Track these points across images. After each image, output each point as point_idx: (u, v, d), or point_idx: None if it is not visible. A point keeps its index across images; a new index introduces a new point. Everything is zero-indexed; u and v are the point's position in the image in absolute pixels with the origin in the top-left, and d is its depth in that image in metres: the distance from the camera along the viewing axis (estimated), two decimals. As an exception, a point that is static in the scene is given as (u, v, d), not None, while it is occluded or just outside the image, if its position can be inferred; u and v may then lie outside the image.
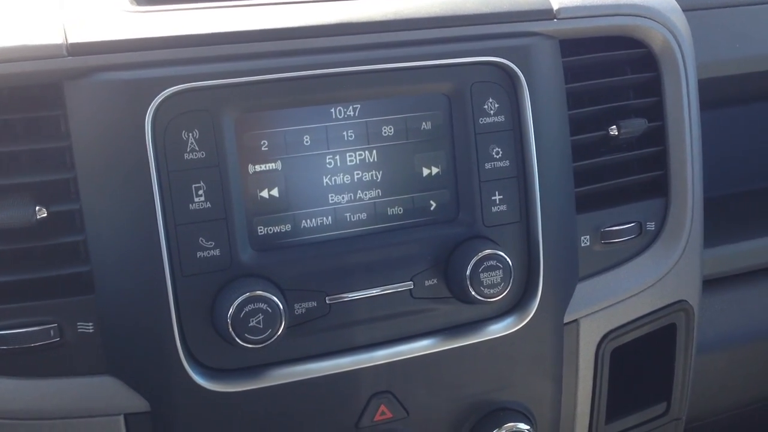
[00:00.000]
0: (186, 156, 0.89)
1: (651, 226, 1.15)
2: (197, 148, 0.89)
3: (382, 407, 1.00)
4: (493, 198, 1.01)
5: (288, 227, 0.95)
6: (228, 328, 0.89)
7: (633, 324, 1.15)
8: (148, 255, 0.88)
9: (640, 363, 1.25)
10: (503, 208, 1.02)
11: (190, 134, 0.89)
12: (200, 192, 0.90)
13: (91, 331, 0.90)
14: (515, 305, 1.04)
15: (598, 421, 1.18)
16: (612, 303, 1.12)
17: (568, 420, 1.15)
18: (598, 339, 1.13)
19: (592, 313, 1.11)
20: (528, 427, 1.05)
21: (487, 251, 0.97)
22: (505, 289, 0.99)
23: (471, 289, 0.98)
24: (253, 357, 0.95)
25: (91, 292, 0.89)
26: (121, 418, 0.93)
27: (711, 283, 1.42)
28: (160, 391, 0.92)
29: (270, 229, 0.95)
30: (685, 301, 1.20)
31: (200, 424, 0.93)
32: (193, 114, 0.89)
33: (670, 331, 1.21)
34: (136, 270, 0.89)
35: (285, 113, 0.93)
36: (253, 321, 0.89)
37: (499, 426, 1.04)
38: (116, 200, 0.88)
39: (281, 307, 0.90)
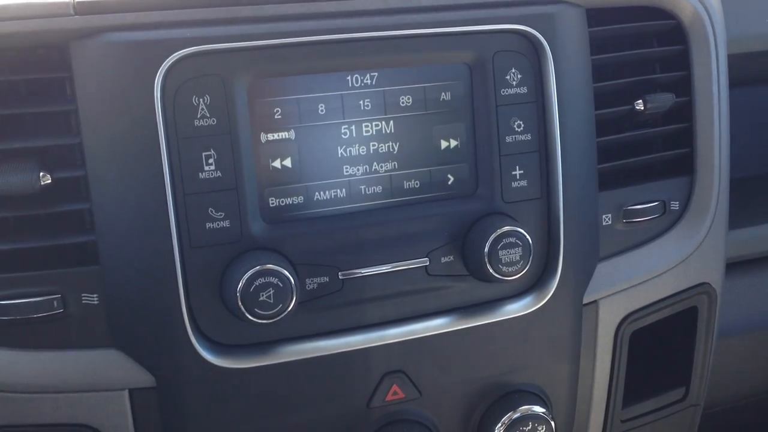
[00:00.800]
0: (196, 123, 0.85)
1: (675, 205, 1.11)
2: (208, 115, 0.85)
3: (395, 387, 0.97)
4: (513, 173, 0.97)
5: (300, 199, 0.92)
6: (237, 303, 0.85)
7: (654, 306, 1.11)
8: (155, 225, 0.85)
9: (658, 347, 1.21)
10: (523, 183, 0.98)
11: (201, 100, 0.85)
12: (210, 161, 0.86)
13: (95, 302, 0.87)
14: (534, 284, 1.01)
15: (614, 406, 1.15)
16: (633, 284, 1.09)
17: (585, 404, 1.12)
18: (617, 321, 1.09)
19: (613, 294, 1.07)
20: (543, 410, 1.02)
21: (506, 228, 0.94)
22: (524, 268, 0.95)
23: (489, 267, 0.94)
24: (262, 333, 0.91)
25: (96, 263, 0.86)
26: (126, 393, 0.90)
27: (732, 266, 1.38)
28: (167, 367, 0.89)
29: (282, 201, 0.91)
30: (708, 283, 1.16)
31: (207, 400, 0.90)
32: (204, 79, 0.85)
33: (691, 314, 1.17)
34: (143, 240, 0.86)
35: (299, 80, 0.89)
36: (263, 296, 0.86)
37: (514, 408, 1.01)
38: (123, 167, 0.84)
39: (292, 281, 0.87)
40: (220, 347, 0.90)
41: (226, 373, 0.90)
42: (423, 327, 0.96)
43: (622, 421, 1.17)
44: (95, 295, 0.87)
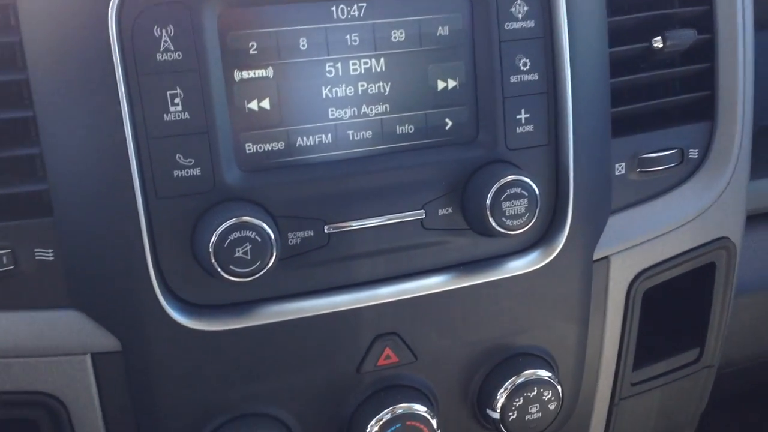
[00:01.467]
0: (159, 57, 0.75)
1: (694, 153, 1.03)
2: (172, 48, 0.76)
3: (387, 350, 0.90)
4: (518, 117, 0.88)
5: (281, 145, 0.83)
6: (210, 260, 0.77)
7: (669, 263, 1.04)
8: (115, 173, 0.76)
9: (671, 305, 1.13)
10: (529, 128, 0.89)
11: (164, 31, 0.75)
12: (176, 100, 0.77)
13: (50, 258, 0.79)
14: (540, 239, 0.93)
15: (624, 368, 1.07)
16: (647, 239, 1.01)
17: (593, 366, 1.04)
18: (630, 278, 1.02)
19: (625, 249, 1.00)
20: (549, 374, 0.95)
21: (511, 177, 0.86)
22: (530, 221, 0.87)
23: (491, 220, 0.86)
24: (239, 292, 0.84)
25: (49, 214, 0.79)
26: (88, 358, 0.82)
27: (750, 220, 1.29)
28: (133, 329, 0.81)
29: (260, 147, 0.82)
30: (727, 238, 1.08)
31: (179, 366, 0.83)
32: (166, 6, 0.75)
33: (708, 271, 1.09)
34: (102, 190, 0.77)
35: (277, 10, 0.80)
36: (239, 251, 0.77)
37: (518, 372, 0.94)
38: (76, 108, 0.75)
39: (272, 236, 0.78)
40: (192, 308, 0.82)
41: (199, 336, 0.82)
42: (418, 285, 0.89)
43: (633, 384, 1.10)
44: (50, 251, 0.79)
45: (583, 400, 1.05)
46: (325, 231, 0.84)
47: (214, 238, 0.77)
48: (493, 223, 0.86)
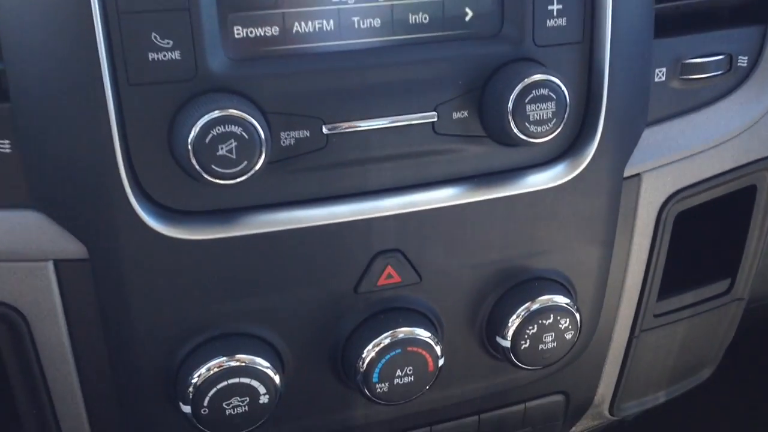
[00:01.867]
0: None
1: (743, 61, 0.94)
2: None
3: (389, 269, 0.81)
4: (549, 8, 0.79)
5: (275, 30, 0.72)
6: (189, 157, 0.68)
7: (706, 183, 0.96)
8: (80, 52, 0.66)
9: (703, 231, 1.04)
10: (561, 22, 0.79)
11: None
12: (152, -33, 0.65)
13: (7, 150, 0.71)
14: (566, 150, 0.85)
15: (648, 298, 0.99)
16: (684, 156, 0.93)
17: (614, 295, 0.96)
18: (662, 199, 0.94)
19: (660, 166, 0.92)
20: (567, 301, 0.86)
21: (537, 77, 0.77)
22: (556, 128, 0.78)
23: (512, 126, 0.77)
24: (224, 198, 0.75)
25: (5, 100, 0.70)
26: (50, 265, 0.74)
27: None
28: (101, 235, 0.72)
29: (251, 31, 0.72)
30: (772, 158, 0.98)
31: (153, 278, 0.74)
32: None
33: (747, 194, 1.00)
34: (65, 72, 0.67)
35: None
36: (222, 149, 0.68)
37: (533, 298, 0.86)
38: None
39: (261, 134, 0.69)
40: (169, 213, 0.73)
41: (176, 246, 0.73)
42: (426, 198, 0.80)
43: (656, 316, 1.02)
44: (6, 142, 0.70)
45: (601, 331, 0.97)
46: (323, 132, 0.75)
47: (193, 133, 0.67)
48: (515, 129, 0.77)
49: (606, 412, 1.10)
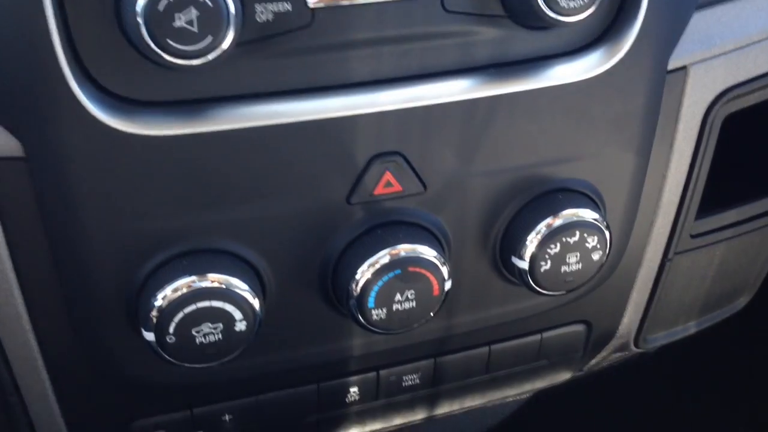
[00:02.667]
0: None
1: None
2: None
3: (387, 175, 0.70)
4: None
5: None
6: (139, 29, 0.55)
7: (762, 80, 0.82)
8: None
9: (750, 140, 0.91)
10: None
11: None
12: None
13: None
14: (601, 36, 0.72)
15: (686, 215, 0.88)
16: (740, 46, 0.81)
17: (649, 210, 0.86)
18: (710, 98, 0.82)
19: (710, 58, 0.80)
20: (596, 216, 0.75)
21: None
22: (592, 3, 0.63)
23: (539, 1, 0.63)
24: (188, 86, 0.63)
25: None
26: None
27: None
28: (38, 128, 0.60)
29: None
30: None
31: (103, 182, 0.62)
32: None
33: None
34: None
35: None
36: (181, 19, 0.56)
37: (556, 212, 0.74)
38: None
39: (229, 4, 0.55)
40: (121, 103, 0.62)
41: (131, 143, 0.61)
42: (433, 91, 0.68)
43: (692, 237, 0.90)
44: None
45: (631, 252, 0.85)
46: (308, 5, 0.63)
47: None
48: (542, 6, 0.63)
49: (631, 344, 0.99)
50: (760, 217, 0.92)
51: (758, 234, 0.95)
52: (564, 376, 0.97)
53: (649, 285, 0.92)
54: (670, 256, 0.90)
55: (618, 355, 1.05)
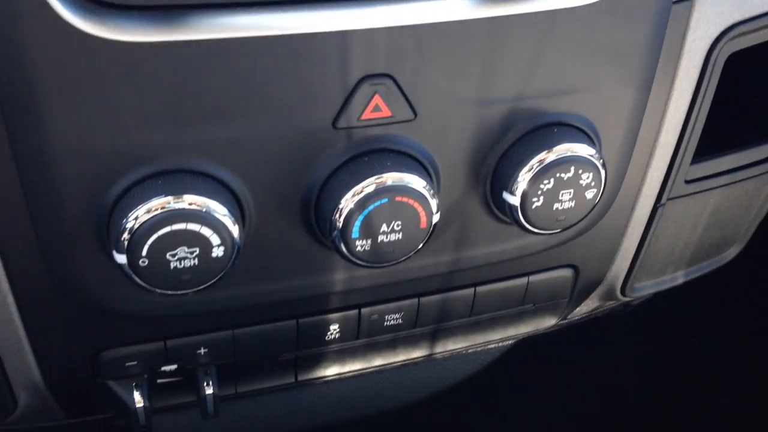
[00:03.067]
0: None
1: None
2: None
3: (376, 99, 0.65)
4: None
5: None
6: None
7: None
8: None
9: (752, 83, 0.88)
10: None
11: None
12: None
13: None
14: None
15: (683, 158, 0.84)
16: None
17: (644, 151, 0.82)
18: (715, 33, 0.77)
19: None
20: (592, 152, 0.71)
21: None
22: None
23: None
24: None
25: None
26: None
27: None
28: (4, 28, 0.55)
29: None
30: None
31: (71, 91, 0.58)
32: None
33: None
34: None
35: None
36: None
37: (550, 147, 0.71)
38: None
39: None
40: (91, 3, 0.56)
41: (103, 49, 0.56)
42: (426, 10, 0.63)
43: (687, 182, 0.87)
44: None
45: (623, 195, 0.82)
46: None
47: None
48: None
49: (617, 292, 0.97)
50: (757, 165, 0.89)
51: (753, 182, 0.92)
52: (549, 322, 0.94)
53: (640, 231, 0.89)
54: (663, 201, 0.87)
55: (603, 304, 1.03)
